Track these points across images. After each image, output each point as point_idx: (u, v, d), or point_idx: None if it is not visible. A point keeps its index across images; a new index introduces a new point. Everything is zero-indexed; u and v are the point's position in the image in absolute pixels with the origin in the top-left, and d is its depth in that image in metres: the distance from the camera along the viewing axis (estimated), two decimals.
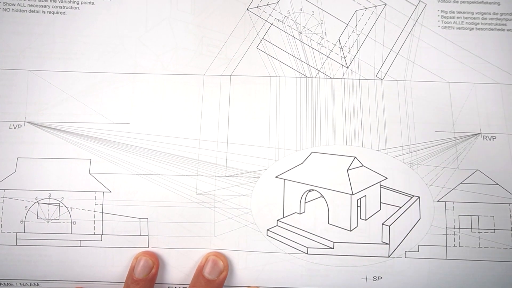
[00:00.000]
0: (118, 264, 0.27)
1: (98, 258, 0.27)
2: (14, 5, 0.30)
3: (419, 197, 0.28)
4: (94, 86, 0.29)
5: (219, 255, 0.27)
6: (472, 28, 0.31)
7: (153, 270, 0.26)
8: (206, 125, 0.29)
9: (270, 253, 0.27)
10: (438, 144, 0.29)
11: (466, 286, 0.27)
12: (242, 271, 0.27)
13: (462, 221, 0.27)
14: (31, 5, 0.30)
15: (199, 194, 0.28)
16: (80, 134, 0.29)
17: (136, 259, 0.26)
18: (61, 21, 0.30)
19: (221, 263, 0.26)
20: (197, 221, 0.28)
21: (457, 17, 0.31)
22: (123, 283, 0.27)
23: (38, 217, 0.27)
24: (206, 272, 0.26)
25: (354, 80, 0.30)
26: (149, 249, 0.27)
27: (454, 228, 0.27)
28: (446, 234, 0.27)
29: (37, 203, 0.27)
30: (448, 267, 0.27)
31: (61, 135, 0.29)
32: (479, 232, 0.27)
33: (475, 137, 0.29)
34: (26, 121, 0.29)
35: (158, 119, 0.29)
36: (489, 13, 0.31)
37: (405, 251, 0.27)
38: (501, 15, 0.31)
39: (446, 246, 0.27)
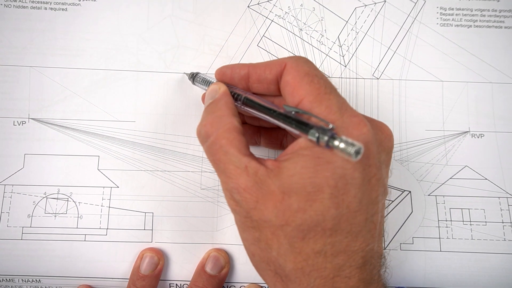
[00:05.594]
0: (121, 259, 0.29)
1: (101, 253, 0.29)
2: (15, 1, 0.32)
3: (410, 191, 0.31)
4: (96, 83, 0.31)
5: (221, 252, 0.29)
6: (470, 26, 0.33)
7: (159, 266, 0.28)
8: None
9: None
10: (428, 142, 0.31)
11: (462, 278, 0.29)
12: (243, 266, 0.29)
13: (454, 214, 0.30)
14: (32, 2, 0.32)
15: (203, 189, 0.30)
16: (87, 131, 0.31)
17: (142, 255, 0.28)
18: (63, 17, 0.32)
19: (222, 259, 0.29)
20: (200, 216, 0.30)
21: (456, 14, 0.33)
22: (125, 279, 0.29)
23: (46, 212, 0.29)
24: (208, 267, 0.28)
25: (351, 79, 0.32)
26: (153, 244, 0.29)
27: (446, 220, 0.30)
28: (438, 227, 0.30)
29: (45, 198, 0.30)
30: (443, 259, 0.29)
31: (68, 132, 0.31)
32: (471, 224, 0.30)
33: (463, 135, 0.32)
34: (30, 117, 0.31)
35: (163, 117, 0.31)
36: (488, 10, 0.33)
37: (400, 244, 0.30)
38: (499, 12, 0.33)
39: (439, 238, 0.30)
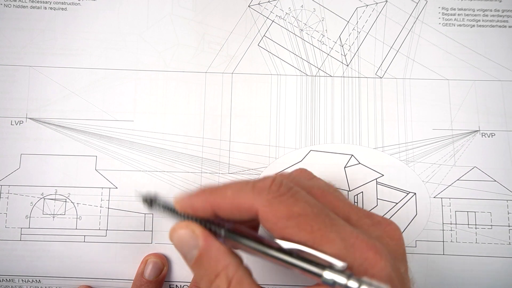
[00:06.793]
0: (121, 261, 0.28)
1: (101, 254, 0.28)
2: (15, 1, 0.32)
3: (415, 193, 0.29)
4: (96, 82, 0.31)
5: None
6: (473, 25, 0.32)
7: (163, 272, 0.28)
8: (209, 123, 0.30)
9: None
10: (435, 142, 0.30)
11: (464, 282, 0.28)
12: None
13: (459, 217, 0.29)
14: (32, 1, 0.32)
15: None
16: (84, 131, 0.30)
17: (145, 261, 0.28)
18: (63, 17, 0.31)
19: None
20: None
21: (458, 14, 0.32)
22: (126, 280, 0.28)
23: (44, 213, 0.29)
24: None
25: (354, 78, 0.31)
26: (153, 245, 0.28)
27: (450, 224, 0.29)
28: (443, 230, 0.29)
29: (43, 199, 0.29)
30: (446, 263, 0.28)
31: (65, 132, 0.30)
32: (476, 228, 0.29)
33: (473, 134, 0.30)
34: (28, 117, 0.30)
35: (162, 117, 0.30)
36: (490, 10, 0.32)
37: None
38: (502, 12, 0.32)
39: (443, 241, 0.28)
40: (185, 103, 0.31)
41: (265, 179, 0.19)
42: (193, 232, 0.19)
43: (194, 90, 0.31)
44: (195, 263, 0.18)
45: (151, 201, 0.22)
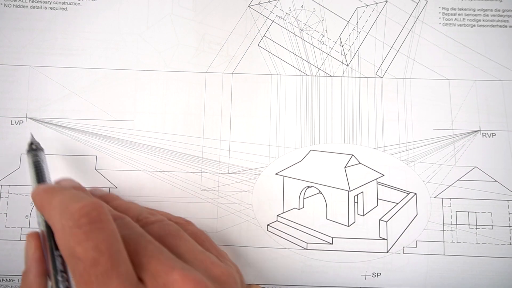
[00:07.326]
0: None
1: None
2: (15, 1, 0.31)
3: (415, 193, 0.29)
4: (96, 82, 0.31)
5: None
6: (474, 25, 0.32)
7: None
8: (209, 123, 0.30)
9: (270, 249, 0.28)
10: (436, 142, 0.30)
11: (464, 282, 0.28)
12: (243, 268, 0.28)
13: (460, 217, 0.29)
14: (32, 1, 0.32)
15: (204, 190, 0.29)
16: (84, 131, 0.30)
17: None
18: (63, 17, 0.31)
19: None
20: (201, 217, 0.29)
21: (459, 14, 0.32)
22: None
23: None
24: None
25: (354, 78, 0.31)
26: None
27: (451, 224, 0.29)
28: (443, 230, 0.28)
29: None
30: (446, 263, 0.28)
31: (65, 132, 0.30)
32: (476, 228, 0.28)
33: (474, 134, 0.30)
34: (28, 117, 0.30)
35: (162, 117, 0.30)
36: (491, 10, 0.32)
37: (403, 247, 0.28)
38: (503, 12, 0.32)
39: (443, 242, 0.28)
40: (185, 103, 0.31)
41: (82, 199, 0.16)
42: (28, 250, 0.19)
43: (194, 90, 0.31)
44: (23, 274, 0.19)
45: (30, 149, 0.24)
